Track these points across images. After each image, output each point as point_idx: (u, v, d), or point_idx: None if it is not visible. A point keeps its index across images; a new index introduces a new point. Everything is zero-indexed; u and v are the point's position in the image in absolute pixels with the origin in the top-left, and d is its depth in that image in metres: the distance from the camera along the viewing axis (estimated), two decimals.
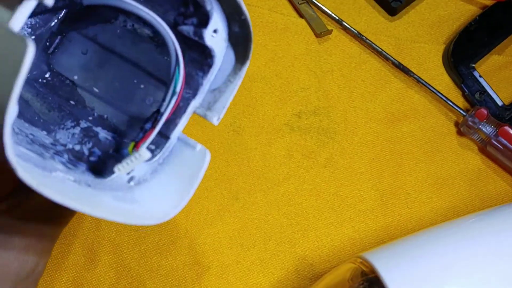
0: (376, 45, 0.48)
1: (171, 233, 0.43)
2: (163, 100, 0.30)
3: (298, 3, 0.50)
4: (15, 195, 0.30)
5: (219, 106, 0.32)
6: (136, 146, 0.30)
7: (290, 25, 0.50)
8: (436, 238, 0.35)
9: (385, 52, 0.48)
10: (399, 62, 0.48)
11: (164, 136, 0.32)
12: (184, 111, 0.32)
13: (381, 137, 0.47)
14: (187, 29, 0.29)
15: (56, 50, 0.33)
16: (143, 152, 0.28)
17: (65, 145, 0.32)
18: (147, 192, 0.31)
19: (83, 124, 0.33)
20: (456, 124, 0.47)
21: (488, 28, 0.49)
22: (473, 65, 0.48)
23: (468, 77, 0.48)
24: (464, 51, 0.48)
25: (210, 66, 0.31)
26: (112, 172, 0.29)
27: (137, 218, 0.28)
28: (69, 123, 0.33)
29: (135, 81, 0.33)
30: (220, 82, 0.32)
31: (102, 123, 0.33)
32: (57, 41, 0.33)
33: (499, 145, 0.44)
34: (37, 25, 0.32)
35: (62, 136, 0.32)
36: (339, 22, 0.49)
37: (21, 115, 0.31)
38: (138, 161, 0.29)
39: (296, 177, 0.45)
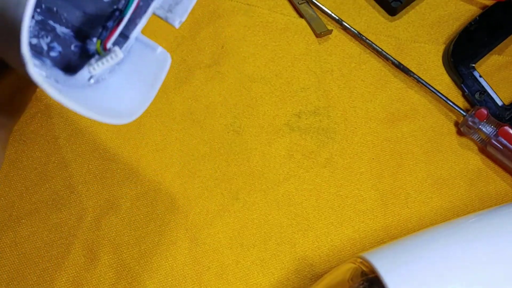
0: (376, 45, 0.48)
1: (171, 233, 0.43)
2: None
3: (298, 3, 0.50)
4: None
5: (180, 9, 0.32)
6: (103, 45, 0.30)
7: (290, 25, 0.50)
8: (436, 238, 0.35)
9: (385, 52, 0.48)
10: (399, 62, 0.48)
11: (123, 35, 0.32)
12: (144, 11, 0.31)
13: (381, 137, 0.47)
14: None
15: None
16: (118, 52, 0.29)
17: None
18: (110, 91, 0.31)
19: (37, 16, 0.32)
20: (456, 124, 0.47)
21: (488, 28, 0.49)
22: (473, 65, 0.48)
23: (468, 77, 0.48)
24: (464, 51, 0.48)
25: None
26: (77, 70, 0.29)
27: (107, 117, 0.28)
28: None
29: None
30: None
31: (53, 17, 0.32)
32: None
33: (499, 145, 0.44)
34: None
35: None
36: (339, 22, 0.49)
37: None
38: (113, 61, 0.29)
39: (296, 177, 0.45)
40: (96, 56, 0.29)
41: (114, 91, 0.31)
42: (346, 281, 0.35)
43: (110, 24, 0.30)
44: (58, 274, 0.41)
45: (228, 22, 0.49)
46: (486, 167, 0.46)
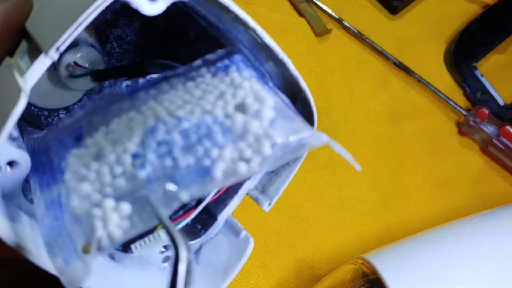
0: (376, 45, 0.48)
1: None
2: None
3: (298, 2, 0.50)
4: None
5: (273, 190, 0.31)
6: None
7: (289, 24, 0.49)
8: (437, 239, 0.35)
9: (385, 51, 0.48)
10: (400, 62, 0.48)
11: (212, 215, 0.30)
12: (236, 192, 0.30)
13: (381, 137, 0.46)
14: None
15: None
16: (162, 234, 0.26)
17: None
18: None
19: None
20: (458, 124, 0.47)
21: (489, 27, 0.48)
22: (475, 64, 0.47)
23: (470, 76, 0.47)
24: (466, 50, 0.48)
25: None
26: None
27: None
28: None
29: None
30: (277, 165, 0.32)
31: None
32: None
33: (500, 145, 0.44)
34: None
35: None
36: (339, 21, 0.49)
37: None
38: (153, 243, 0.26)
39: (297, 178, 0.45)
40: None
41: None
42: (347, 282, 0.35)
43: (191, 204, 0.28)
44: None
45: None
46: (487, 168, 0.46)
